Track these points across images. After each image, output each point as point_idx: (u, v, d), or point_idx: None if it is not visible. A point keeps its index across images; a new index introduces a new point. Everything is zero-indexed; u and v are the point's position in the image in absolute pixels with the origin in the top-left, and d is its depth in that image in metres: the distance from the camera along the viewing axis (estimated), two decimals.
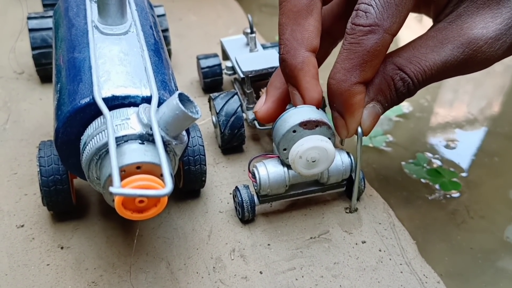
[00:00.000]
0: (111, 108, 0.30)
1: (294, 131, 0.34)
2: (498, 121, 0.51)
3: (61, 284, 0.34)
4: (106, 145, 0.29)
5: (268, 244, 0.37)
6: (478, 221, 0.40)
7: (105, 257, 0.36)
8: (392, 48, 0.33)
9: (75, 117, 0.31)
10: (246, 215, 0.37)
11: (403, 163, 0.46)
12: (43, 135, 0.46)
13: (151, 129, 0.29)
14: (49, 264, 0.35)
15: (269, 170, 0.36)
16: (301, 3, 0.34)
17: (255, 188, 0.37)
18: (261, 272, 0.35)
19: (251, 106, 0.44)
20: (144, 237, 0.37)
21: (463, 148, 0.47)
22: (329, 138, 0.35)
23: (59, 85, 0.33)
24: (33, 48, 0.49)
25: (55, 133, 0.31)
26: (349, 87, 0.33)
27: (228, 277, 0.34)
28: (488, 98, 0.54)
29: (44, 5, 0.53)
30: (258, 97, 0.44)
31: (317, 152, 0.34)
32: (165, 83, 0.33)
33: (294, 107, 0.35)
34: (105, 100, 0.30)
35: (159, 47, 0.36)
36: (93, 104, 0.30)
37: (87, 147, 0.30)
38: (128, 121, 0.29)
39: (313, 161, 0.34)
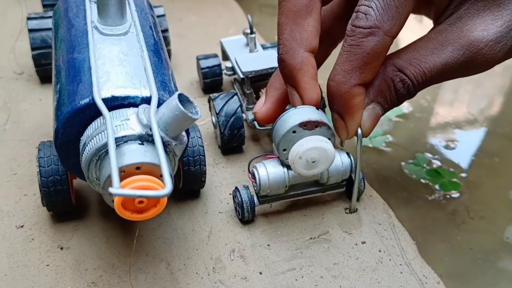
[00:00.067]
0: (110, 108, 0.30)
1: (294, 132, 0.34)
2: (498, 122, 0.51)
3: (60, 284, 0.34)
4: (105, 145, 0.29)
5: (268, 245, 0.37)
6: (478, 222, 0.40)
7: (105, 258, 0.36)
8: (392, 49, 0.33)
9: (75, 118, 0.31)
10: (246, 215, 0.37)
11: (403, 163, 0.46)
12: (43, 135, 0.46)
13: (150, 129, 0.29)
14: (48, 264, 0.35)
15: (269, 171, 0.36)
16: (300, 3, 0.34)
17: (255, 188, 0.37)
18: (260, 273, 0.35)
19: (251, 106, 0.44)
20: (144, 238, 0.37)
21: (463, 149, 0.47)
22: (329, 139, 0.35)
23: (58, 86, 0.33)
24: (32, 49, 0.49)
25: (55, 133, 0.31)
26: (348, 89, 0.33)
27: (228, 278, 0.34)
28: (488, 98, 0.54)
29: (44, 6, 0.53)
30: (258, 98, 0.44)
31: (317, 152, 0.34)
32: (164, 84, 0.33)
33: (294, 108, 0.35)
34: (105, 100, 0.30)
35: (158, 48, 0.36)
36: (92, 104, 0.30)
37: (87, 147, 0.30)
38: (127, 122, 0.29)
39: (313, 162, 0.34)
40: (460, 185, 0.43)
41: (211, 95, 0.43)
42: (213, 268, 0.35)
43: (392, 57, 0.34)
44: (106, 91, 0.31)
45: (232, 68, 0.48)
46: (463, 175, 0.44)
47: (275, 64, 0.44)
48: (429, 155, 0.46)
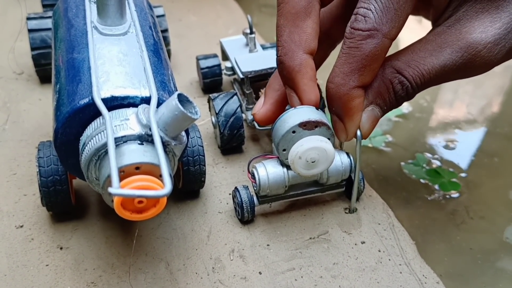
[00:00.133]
0: (110, 108, 0.30)
1: (294, 132, 0.34)
2: (497, 122, 0.51)
3: (60, 284, 0.34)
4: (105, 145, 0.29)
5: (268, 245, 0.37)
6: (478, 222, 0.40)
7: (104, 258, 0.36)
8: (391, 49, 0.33)
9: (74, 118, 0.31)
10: (245, 215, 0.37)
11: (402, 163, 0.46)
12: (43, 135, 0.46)
13: (150, 129, 0.29)
14: (48, 264, 0.35)
15: (269, 171, 0.36)
16: (299, 5, 0.34)
17: (255, 188, 0.37)
18: (260, 273, 0.35)
19: (251, 106, 0.44)
20: (143, 238, 0.37)
21: (462, 149, 0.47)
22: (329, 139, 0.35)
23: (58, 86, 0.33)
24: (32, 49, 0.49)
25: (54, 133, 0.31)
26: (347, 91, 0.33)
27: (227, 278, 0.34)
28: (487, 98, 0.54)
29: (44, 6, 0.53)
30: (257, 98, 0.44)
31: (316, 152, 0.34)
32: (164, 84, 0.33)
33: (293, 108, 0.35)
34: (104, 100, 0.30)
35: (158, 48, 0.36)
36: (92, 104, 0.30)
37: (86, 147, 0.30)
38: (127, 122, 0.29)
39: (312, 162, 0.34)
40: (460, 185, 0.43)
41: (210, 95, 0.43)
42: (213, 268, 0.35)
43: (391, 59, 0.34)
44: (105, 91, 0.31)
45: (232, 68, 0.48)
46: (463, 175, 0.44)
47: (275, 64, 0.44)
48: (428, 155, 0.46)
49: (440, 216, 0.41)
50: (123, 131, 0.29)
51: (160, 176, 0.28)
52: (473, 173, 0.45)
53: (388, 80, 0.34)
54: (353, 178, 0.37)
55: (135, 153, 0.28)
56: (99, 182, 0.30)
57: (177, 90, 0.32)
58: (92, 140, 0.29)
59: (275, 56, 0.35)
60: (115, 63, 0.32)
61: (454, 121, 0.51)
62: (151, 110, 0.29)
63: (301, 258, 0.36)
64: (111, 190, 0.25)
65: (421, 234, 0.39)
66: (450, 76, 0.34)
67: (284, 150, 0.35)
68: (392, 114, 0.51)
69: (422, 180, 0.44)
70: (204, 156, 0.38)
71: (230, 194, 0.41)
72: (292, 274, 0.35)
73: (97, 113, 0.30)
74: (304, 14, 0.34)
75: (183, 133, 0.31)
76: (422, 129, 0.50)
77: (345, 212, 0.39)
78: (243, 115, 0.43)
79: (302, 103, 0.35)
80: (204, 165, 0.38)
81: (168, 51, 0.53)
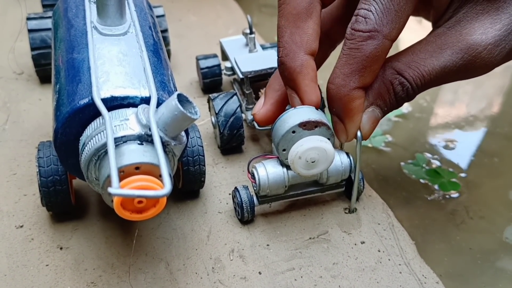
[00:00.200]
0: (110, 108, 0.30)
1: (294, 132, 0.34)
2: (497, 122, 0.51)
3: (60, 284, 0.34)
4: (105, 145, 0.29)
5: (267, 245, 0.37)
6: (478, 222, 0.40)
7: (104, 258, 0.36)
8: (391, 50, 0.33)
9: (74, 118, 0.31)
10: (245, 215, 0.37)
11: (402, 163, 0.46)
12: (43, 135, 0.46)
13: (150, 129, 0.29)
14: (48, 264, 0.35)
15: (269, 171, 0.36)
16: (300, 5, 0.34)
17: (255, 188, 0.37)
18: (260, 273, 0.35)
19: (250, 106, 0.44)
20: (143, 238, 0.37)
21: (462, 149, 0.47)
22: (329, 139, 0.35)
23: (58, 86, 0.33)
24: (32, 49, 0.49)
25: (54, 133, 0.31)
26: (348, 92, 0.33)
27: (227, 278, 0.34)
28: (487, 99, 0.54)
29: (44, 6, 0.53)
30: (257, 98, 0.44)
31: (316, 152, 0.34)
32: (164, 84, 0.33)
33: (293, 108, 0.35)
34: (104, 100, 0.30)
35: (158, 48, 0.36)
36: (92, 104, 0.30)
37: (86, 147, 0.30)
38: (127, 122, 0.29)
39: (312, 162, 0.34)
40: (460, 185, 0.43)
41: (210, 95, 0.43)
42: (213, 268, 0.35)
43: (391, 60, 0.34)
44: (105, 91, 0.31)
45: (232, 68, 0.48)
46: (463, 175, 0.44)
47: (275, 64, 0.44)
48: (428, 155, 0.46)
49: (440, 216, 0.41)
50: (122, 131, 0.29)
51: (160, 176, 0.28)
52: (473, 173, 0.45)
53: (389, 81, 0.34)
54: (353, 178, 0.37)
55: (134, 153, 0.28)
56: (99, 182, 0.30)
57: (176, 90, 0.32)
58: (92, 140, 0.29)
59: (275, 57, 0.36)
60: (115, 63, 0.32)
61: (454, 121, 0.51)
62: (151, 110, 0.29)
63: (301, 258, 0.36)
64: (110, 190, 0.25)
65: (421, 234, 0.39)
66: (450, 77, 0.34)
67: (284, 150, 0.35)
68: (392, 114, 0.51)
69: (422, 180, 0.44)
70: (204, 156, 0.38)
71: (230, 194, 0.41)
72: (292, 274, 0.35)
73: (97, 113, 0.30)
74: (305, 15, 0.34)
75: (183, 133, 0.31)
76: (422, 129, 0.50)
77: (345, 212, 0.39)
78: (243, 115, 0.43)
79: (303, 104, 0.35)
80: (204, 165, 0.38)
81: (168, 51, 0.53)
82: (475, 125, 0.51)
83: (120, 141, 0.29)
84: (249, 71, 0.44)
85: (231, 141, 0.43)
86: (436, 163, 0.46)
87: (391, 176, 0.44)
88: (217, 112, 0.42)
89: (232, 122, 0.42)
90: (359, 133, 0.35)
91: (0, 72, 0.54)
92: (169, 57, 0.52)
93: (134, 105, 0.31)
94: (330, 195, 0.40)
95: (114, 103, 0.30)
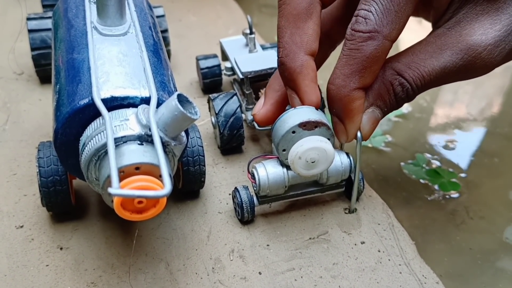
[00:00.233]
0: (110, 109, 0.30)
1: (294, 132, 0.34)
2: (497, 122, 0.51)
3: (60, 284, 0.34)
4: (105, 146, 0.29)
5: (267, 245, 0.37)
6: (478, 222, 0.40)
7: (104, 258, 0.36)
8: (392, 51, 0.33)
9: (74, 118, 0.31)
10: (245, 215, 0.37)
11: (402, 163, 0.46)
12: (43, 136, 0.46)
13: (150, 130, 0.29)
14: (48, 264, 0.35)
15: (269, 171, 0.36)
16: (300, 6, 0.34)
17: (255, 189, 0.37)
18: (260, 273, 0.35)
19: (250, 106, 0.44)
20: (143, 238, 0.37)
21: (462, 149, 0.47)
22: (328, 139, 0.35)
23: (58, 86, 0.33)
24: (32, 49, 0.49)
25: (54, 134, 0.31)
26: (348, 92, 0.33)
27: (227, 278, 0.34)
28: (487, 99, 0.54)
29: (44, 6, 0.53)
30: (257, 98, 0.44)
31: (316, 152, 0.34)
32: (164, 84, 0.33)
33: (293, 108, 0.35)
34: (104, 101, 0.30)
35: (158, 48, 0.36)
36: (92, 105, 0.30)
37: (86, 148, 0.30)
38: (127, 122, 0.29)
39: (312, 162, 0.34)
40: (460, 185, 0.43)
41: (210, 95, 0.43)
42: (213, 268, 0.35)
43: (391, 61, 0.34)
44: (105, 91, 0.31)
45: (232, 69, 0.48)
46: (463, 175, 0.44)
47: (275, 65, 0.44)
48: (428, 155, 0.46)
49: (440, 216, 0.41)
50: (123, 131, 0.29)
51: (160, 176, 0.28)
52: (473, 173, 0.45)
53: (389, 81, 0.34)
54: (353, 178, 0.37)
55: (134, 154, 0.28)
56: (99, 182, 0.30)
57: (176, 91, 0.32)
58: (92, 141, 0.29)
59: (275, 57, 0.36)
60: (115, 63, 0.32)
61: (454, 121, 0.51)
62: (151, 111, 0.29)
63: (301, 258, 0.36)
64: (111, 190, 0.25)
65: (421, 234, 0.39)
66: (450, 78, 0.34)
67: (284, 150, 0.35)
68: (392, 114, 0.51)
69: (422, 180, 0.44)
70: (204, 156, 0.38)
71: (230, 194, 0.41)
72: (292, 274, 0.35)
73: (97, 114, 0.30)
74: (305, 16, 0.34)
75: (183, 133, 0.31)
76: (422, 129, 0.50)
77: (345, 212, 0.39)
78: (243, 115, 0.43)
79: (303, 104, 0.35)
80: (204, 165, 0.38)
81: (168, 51, 0.53)
82: (475, 125, 0.51)
83: (120, 141, 0.29)
84: (249, 71, 0.44)
85: (231, 141, 0.43)
86: (436, 163, 0.46)
87: (391, 176, 0.44)
88: (217, 112, 0.42)
89: (232, 122, 0.42)
90: (359, 134, 0.35)
91: (0, 72, 0.54)
92: (169, 57, 0.52)
93: (134, 105, 0.31)
94: (330, 195, 0.40)
95: (114, 103, 0.31)
